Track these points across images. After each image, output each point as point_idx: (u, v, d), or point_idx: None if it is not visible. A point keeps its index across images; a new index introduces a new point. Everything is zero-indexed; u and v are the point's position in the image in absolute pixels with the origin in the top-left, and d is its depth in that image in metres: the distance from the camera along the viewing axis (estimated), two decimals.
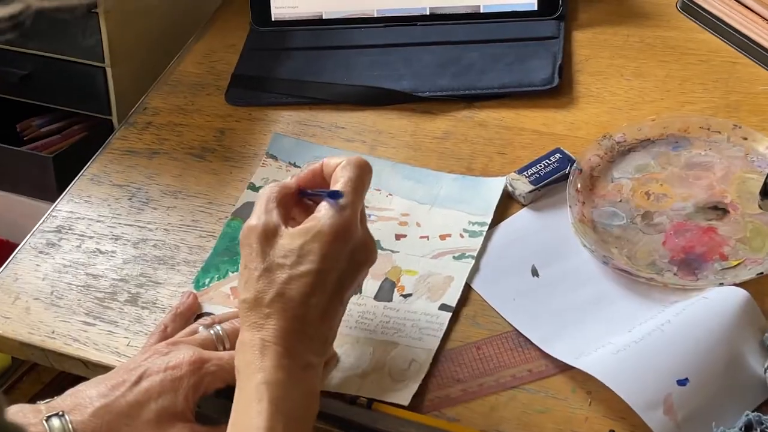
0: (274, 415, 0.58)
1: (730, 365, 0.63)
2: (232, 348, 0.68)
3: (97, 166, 0.87)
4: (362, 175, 0.65)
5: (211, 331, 0.69)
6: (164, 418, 0.63)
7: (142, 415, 0.63)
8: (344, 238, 0.62)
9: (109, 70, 0.95)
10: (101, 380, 0.65)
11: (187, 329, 0.70)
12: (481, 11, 0.94)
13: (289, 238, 0.62)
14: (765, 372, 0.63)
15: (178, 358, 0.65)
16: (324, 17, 0.96)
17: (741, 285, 0.68)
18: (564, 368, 0.67)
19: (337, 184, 0.64)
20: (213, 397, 0.67)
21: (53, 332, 0.75)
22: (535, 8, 0.94)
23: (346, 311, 0.73)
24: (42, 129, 1.05)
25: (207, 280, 0.77)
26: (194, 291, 0.76)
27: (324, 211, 0.63)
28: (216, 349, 0.68)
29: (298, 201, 0.67)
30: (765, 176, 0.73)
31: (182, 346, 0.67)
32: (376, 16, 0.96)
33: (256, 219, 0.64)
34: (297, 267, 0.61)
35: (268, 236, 0.63)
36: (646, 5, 0.95)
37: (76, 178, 0.86)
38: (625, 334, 0.66)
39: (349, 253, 0.63)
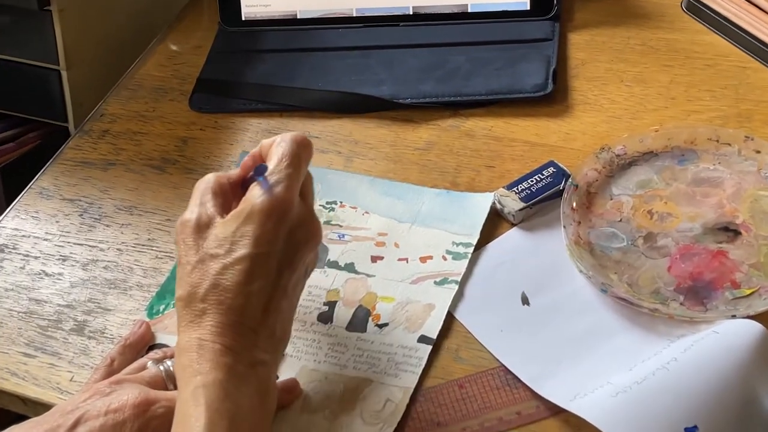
0: (212, 418, 0.52)
1: (745, 410, 0.56)
2: None
3: (47, 179, 0.80)
4: (297, 149, 0.59)
5: (161, 368, 0.61)
6: None
7: None
8: (279, 217, 0.57)
9: (64, 73, 0.87)
10: (34, 424, 0.58)
11: (135, 364, 0.63)
12: (469, 11, 0.87)
13: (222, 227, 0.58)
14: None
15: (121, 399, 0.58)
16: (299, 16, 0.89)
17: (755, 317, 0.61)
18: (557, 411, 0.60)
19: (270, 162, 0.59)
20: None
21: None
22: (528, 8, 0.86)
23: (315, 342, 0.67)
24: None
25: (161, 307, 0.69)
26: (147, 319, 0.68)
27: (254, 191, 0.58)
28: (166, 388, 0.60)
29: (240, 193, 0.61)
30: None
31: (127, 385, 0.59)
32: (355, 15, 0.88)
33: (189, 213, 0.59)
34: (230, 254, 0.56)
35: (201, 228, 0.58)
36: (648, 5, 0.88)
37: (23, 191, 0.79)
38: (625, 373, 0.59)
39: (286, 234, 0.57)
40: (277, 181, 0.58)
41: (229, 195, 0.61)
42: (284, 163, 0.59)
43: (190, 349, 0.55)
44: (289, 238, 0.57)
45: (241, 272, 0.56)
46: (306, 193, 0.61)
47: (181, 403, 0.54)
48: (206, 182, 0.61)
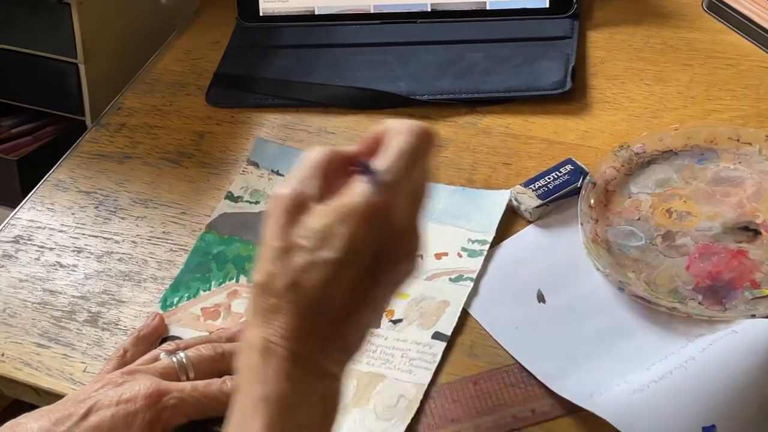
0: None
1: (764, 410, 0.55)
2: (197, 378, 0.60)
3: (64, 171, 0.80)
4: (418, 147, 0.52)
5: (174, 359, 0.61)
6: None
7: None
8: (378, 225, 0.50)
9: (81, 67, 0.87)
10: (45, 412, 0.58)
11: (148, 356, 0.62)
12: (488, 8, 0.87)
13: (317, 217, 0.51)
14: None
15: (133, 390, 0.57)
16: (316, 12, 0.89)
17: None
18: (572, 409, 0.59)
19: (385, 156, 0.51)
20: None
21: (3, 355, 0.67)
22: (547, 5, 0.86)
23: None
24: (12, 130, 0.97)
25: (175, 300, 0.69)
26: (160, 311, 0.68)
27: (358, 189, 0.51)
28: (178, 380, 0.60)
29: (350, 172, 0.53)
30: None
31: (139, 375, 0.59)
32: (372, 12, 0.88)
33: (287, 186, 0.52)
34: (317, 252, 0.50)
35: (296, 209, 0.51)
36: (668, 4, 0.87)
37: (39, 183, 0.79)
38: (642, 372, 0.58)
39: (381, 244, 0.51)
40: (385, 182, 0.51)
41: (339, 172, 0.53)
42: (400, 162, 0.51)
43: (255, 349, 0.50)
44: (383, 249, 0.51)
45: (325, 275, 0.50)
46: (417, 199, 0.53)
47: (239, 406, 0.50)
48: (314, 156, 0.53)
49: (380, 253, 0.51)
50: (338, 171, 0.53)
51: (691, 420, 0.54)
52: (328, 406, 0.51)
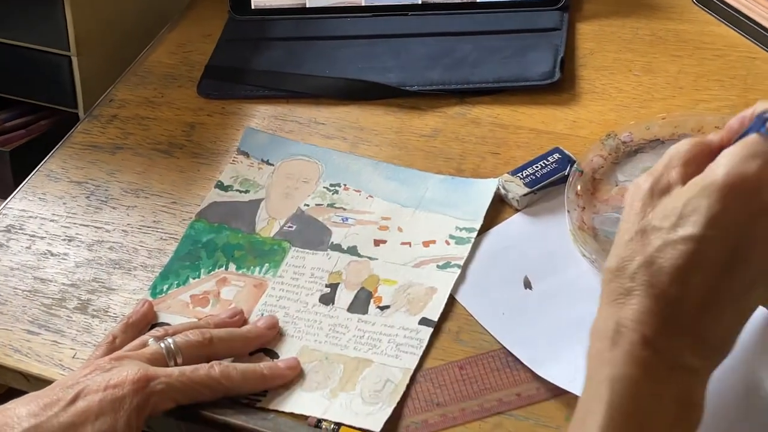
0: (614, 418, 0.45)
1: (747, 394, 0.55)
2: (185, 363, 0.61)
3: (56, 162, 0.80)
4: None
5: (162, 345, 0.61)
6: None
7: None
8: (746, 198, 0.46)
9: (74, 60, 0.88)
10: (33, 397, 0.58)
11: (136, 341, 0.63)
12: (478, 1, 0.87)
13: (675, 196, 0.49)
14: None
15: (121, 375, 0.58)
16: (308, 5, 0.89)
17: None
18: (557, 393, 0.59)
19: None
20: (165, 419, 0.61)
21: None
22: None
23: (316, 323, 0.67)
24: (7, 123, 0.98)
25: (165, 287, 0.70)
26: (150, 299, 0.68)
27: (725, 158, 0.48)
28: (166, 365, 0.61)
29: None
30: None
31: (127, 361, 0.60)
32: (364, 5, 0.89)
33: (647, 176, 0.51)
34: (675, 230, 0.47)
35: (655, 194, 0.50)
36: None
37: (32, 173, 0.79)
38: None
39: (751, 221, 0.47)
40: (760, 149, 0.47)
41: (704, 162, 0.50)
42: None
43: (606, 332, 0.48)
44: (752, 228, 0.47)
45: (683, 254, 0.47)
46: None
47: (587, 392, 0.48)
48: (679, 147, 0.52)
49: (750, 232, 0.47)
50: (704, 161, 0.51)
51: None
52: (683, 407, 0.47)
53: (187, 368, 0.60)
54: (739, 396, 0.56)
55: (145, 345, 0.62)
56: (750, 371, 0.56)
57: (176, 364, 0.61)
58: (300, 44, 0.87)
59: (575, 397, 0.58)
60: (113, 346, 0.64)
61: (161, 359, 0.61)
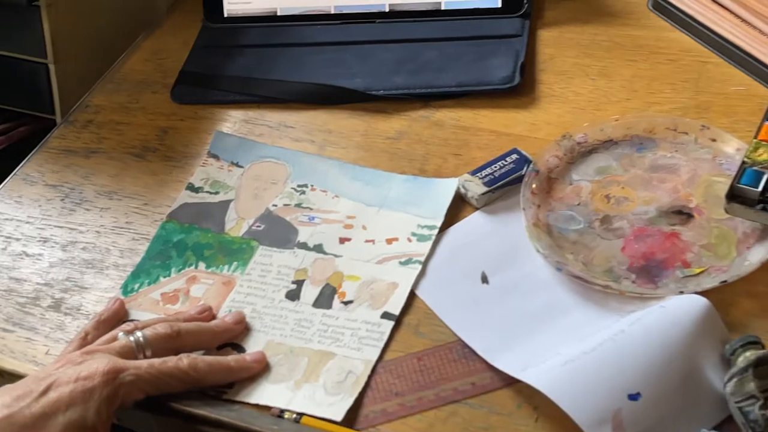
0: None
1: (687, 379, 0.58)
2: (154, 356, 0.63)
3: (32, 166, 0.82)
4: None
5: (131, 338, 0.64)
6: None
7: (47, 428, 0.57)
8: None
9: (51, 67, 0.90)
10: (6, 390, 0.60)
11: (107, 336, 0.65)
12: (443, 8, 0.90)
13: None
14: (725, 387, 0.58)
15: (92, 367, 0.60)
16: (279, 13, 0.92)
17: (703, 294, 0.63)
18: (510, 382, 0.62)
19: None
20: (135, 411, 0.63)
21: None
22: (499, 5, 0.89)
23: (282, 318, 0.69)
24: None
25: (136, 286, 0.72)
26: (122, 297, 0.71)
27: None
28: (136, 358, 0.63)
29: None
30: (732, 179, 0.69)
31: (98, 354, 0.62)
32: (333, 12, 0.91)
33: None
34: None
35: None
36: (616, 4, 0.90)
37: (8, 178, 0.82)
38: (575, 345, 0.61)
39: None
40: None
41: None
42: None
43: None
44: None
45: None
46: None
47: None
48: None
49: None
50: None
51: (617, 388, 0.57)
52: None
53: (156, 360, 0.62)
54: (679, 382, 0.58)
55: (115, 339, 0.65)
56: (689, 358, 0.59)
57: (145, 357, 0.63)
58: (271, 51, 0.90)
59: (527, 386, 0.61)
60: (85, 341, 0.66)
61: (131, 352, 0.63)
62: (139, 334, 0.64)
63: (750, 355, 0.58)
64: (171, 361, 0.62)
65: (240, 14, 0.93)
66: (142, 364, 0.62)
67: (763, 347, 0.59)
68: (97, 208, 0.78)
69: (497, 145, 0.78)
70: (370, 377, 0.64)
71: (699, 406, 0.58)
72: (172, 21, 0.96)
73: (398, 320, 0.67)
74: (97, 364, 0.61)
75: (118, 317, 0.69)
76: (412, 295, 0.69)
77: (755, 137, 0.71)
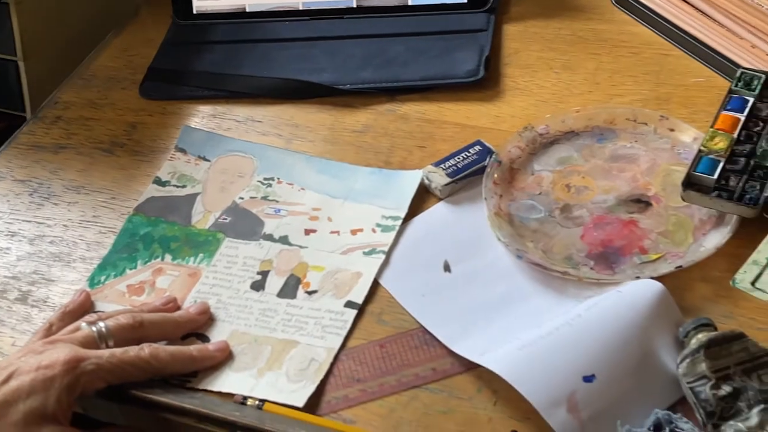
0: None
1: (641, 361, 0.59)
2: (116, 346, 0.64)
3: (0, 162, 0.83)
4: None
5: (94, 328, 0.64)
6: (32, 420, 0.58)
7: (8, 416, 0.58)
8: None
9: (21, 64, 0.90)
10: None
11: (70, 327, 0.66)
12: (410, 4, 0.91)
13: None
14: (677, 369, 0.59)
15: (52, 356, 0.61)
16: (248, 10, 0.93)
17: (660, 279, 0.64)
18: (470, 367, 0.63)
19: None
20: (98, 400, 0.63)
21: None
22: (465, 1, 0.90)
23: (247, 308, 0.70)
24: None
25: (103, 278, 0.72)
26: (88, 289, 0.71)
27: None
28: (98, 347, 0.63)
29: None
30: (689, 167, 0.70)
31: (60, 344, 0.62)
32: (301, 8, 0.92)
33: None
34: None
35: None
36: None
37: None
38: (533, 330, 0.62)
39: None
40: None
41: None
42: None
43: None
44: None
45: None
46: None
47: None
48: None
49: None
50: None
51: (572, 371, 0.58)
52: None
53: (118, 350, 0.63)
54: (633, 364, 0.59)
55: (78, 330, 0.65)
56: (643, 341, 0.60)
57: (107, 347, 0.64)
58: (239, 47, 0.90)
59: (487, 371, 0.62)
60: (50, 332, 0.66)
61: (93, 342, 0.64)
62: (101, 324, 0.64)
63: (702, 336, 0.59)
64: (132, 351, 0.63)
65: (209, 11, 0.93)
66: (104, 353, 0.62)
67: (715, 329, 0.60)
68: (65, 202, 0.79)
69: (462, 138, 0.79)
70: (332, 364, 0.65)
71: (653, 388, 0.59)
72: (141, 18, 0.97)
73: (362, 309, 0.68)
74: (58, 353, 0.61)
75: (83, 309, 0.69)
76: (375, 285, 0.69)
77: (712, 126, 0.72)
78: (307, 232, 0.74)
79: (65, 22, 0.95)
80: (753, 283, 0.63)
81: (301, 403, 0.62)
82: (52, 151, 0.83)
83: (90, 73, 0.91)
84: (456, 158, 0.76)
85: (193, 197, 0.77)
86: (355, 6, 0.92)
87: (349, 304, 0.69)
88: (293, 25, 0.92)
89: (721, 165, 0.70)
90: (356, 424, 0.61)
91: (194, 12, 0.93)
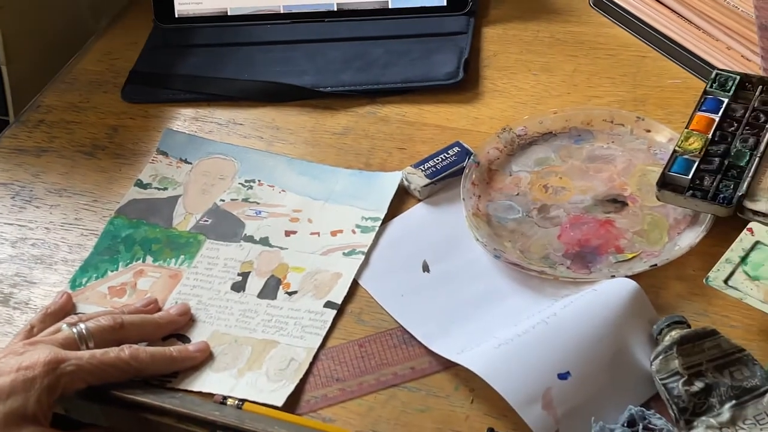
0: None
1: (615, 358, 0.60)
2: (97, 347, 0.64)
3: None
4: None
5: (74, 330, 0.65)
6: (12, 421, 0.58)
7: None
8: None
9: (4, 68, 0.91)
10: None
11: (51, 328, 0.66)
12: (390, 7, 0.92)
13: None
14: (651, 365, 0.60)
15: (33, 358, 0.61)
16: (229, 13, 0.93)
17: (635, 277, 0.65)
18: (448, 365, 0.64)
19: None
20: (80, 401, 0.64)
21: None
22: (445, 4, 0.91)
23: (227, 309, 0.70)
24: None
25: (84, 280, 0.73)
26: (69, 291, 0.72)
27: None
28: (78, 349, 0.64)
29: None
30: (664, 167, 0.71)
31: (40, 345, 0.63)
32: (282, 12, 0.93)
33: None
34: None
35: None
36: (558, 1, 0.92)
37: None
38: (510, 328, 0.63)
39: None
40: None
41: None
42: None
43: None
44: None
45: None
46: None
47: None
48: None
49: None
50: None
51: (548, 368, 0.59)
52: None
53: (98, 351, 0.63)
54: (607, 361, 0.60)
55: (59, 331, 0.66)
56: (618, 338, 0.61)
57: (88, 348, 0.64)
58: (221, 50, 0.91)
59: (464, 369, 0.62)
60: (31, 334, 0.67)
61: (73, 343, 0.64)
62: (82, 325, 0.65)
63: (675, 334, 0.60)
64: (113, 352, 0.63)
65: (191, 14, 0.94)
66: (84, 354, 0.63)
67: (688, 327, 0.61)
68: (47, 205, 0.79)
69: (441, 139, 0.80)
70: (312, 364, 0.65)
71: (627, 384, 0.60)
72: (123, 22, 0.97)
73: (341, 309, 0.69)
74: (39, 354, 0.61)
75: (64, 310, 0.70)
76: (355, 285, 0.70)
77: (687, 127, 0.73)
78: (288, 233, 0.74)
79: (47, 27, 0.96)
80: (726, 281, 0.64)
81: (280, 403, 0.63)
82: (34, 154, 0.84)
83: (72, 76, 0.91)
84: (435, 160, 0.76)
85: (174, 199, 0.78)
86: (335, 9, 0.93)
87: (329, 305, 0.69)
88: (274, 28, 0.93)
89: (695, 165, 0.71)
90: (335, 422, 0.62)
91: (176, 16, 0.94)
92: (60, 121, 0.87)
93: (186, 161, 0.81)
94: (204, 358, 0.65)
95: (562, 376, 0.58)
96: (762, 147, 0.71)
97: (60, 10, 0.96)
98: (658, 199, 0.70)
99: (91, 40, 0.95)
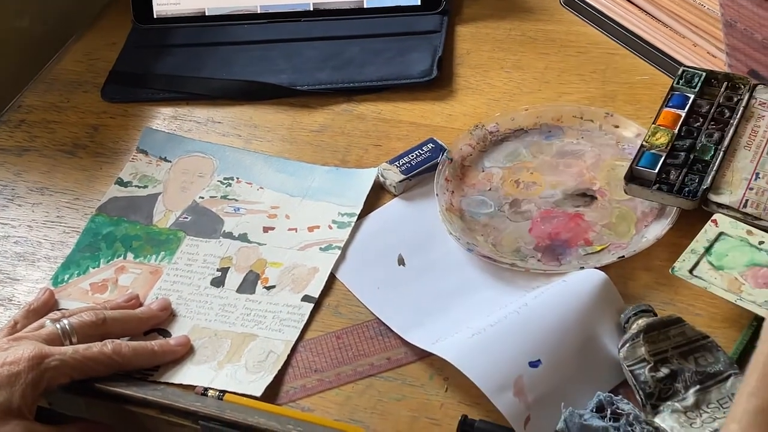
0: None
1: (584, 347, 0.62)
2: (80, 342, 0.66)
3: None
4: None
5: (58, 326, 0.66)
6: None
7: None
8: None
9: None
10: None
11: (34, 324, 0.67)
12: (365, 6, 0.94)
13: None
14: (619, 353, 0.62)
15: (17, 353, 0.62)
16: (207, 14, 0.95)
17: (603, 269, 0.67)
18: (423, 355, 0.65)
19: None
20: (65, 395, 0.65)
21: None
22: (419, 3, 0.93)
23: (207, 304, 0.72)
24: None
25: (66, 276, 0.74)
26: (52, 287, 0.73)
27: None
28: (62, 344, 0.65)
29: None
30: (631, 162, 0.73)
31: (24, 341, 0.64)
32: (259, 12, 0.94)
33: None
34: None
35: None
36: (530, 0, 0.95)
37: None
38: (483, 319, 0.65)
39: None
40: None
41: None
42: None
43: None
44: None
45: None
46: None
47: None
48: None
49: None
50: None
51: (519, 356, 0.61)
52: None
53: (81, 346, 0.65)
54: (577, 349, 0.62)
55: (42, 327, 0.67)
56: (587, 327, 0.63)
57: (71, 343, 0.65)
58: (199, 50, 0.92)
59: (439, 359, 0.64)
60: (14, 329, 0.68)
61: (57, 339, 0.65)
62: (65, 321, 0.66)
63: (641, 322, 0.62)
64: (96, 347, 0.65)
65: (169, 15, 0.95)
66: (67, 350, 0.64)
67: (654, 315, 0.64)
68: (29, 203, 0.80)
69: (416, 136, 0.82)
70: (290, 356, 0.67)
71: (596, 371, 0.62)
72: (102, 22, 0.98)
73: (319, 302, 0.70)
74: (23, 350, 0.63)
75: (47, 306, 0.71)
76: (332, 279, 0.72)
77: (654, 123, 0.76)
78: (266, 229, 0.76)
79: (27, 27, 0.97)
80: (691, 271, 0.66)
81: (258, 393, 0.64)
82: (15, 153, 0.85)
83: (52, 77, 0.92)
84: (410, 156, 0.78)
85: (154, 197, 0.79)
86: (312, 9, 0.94)
87: (306, 298, 0.71)
88: (252, 28, 0.94)
89: (662, 159, 0.73)
90: (314, 412, 0.63)
91: (155, 16, 0.95)
92: (41, 120, 0.88)
93: (165, 159, 0.82)
94: (185, 352, 0.67)
95: (533, 364, 0.60)
96: (726, 142, 0.73)
97: (39, 11, 0.97)
98: (626, 193, 0.72)
99: (71, 40, 0.96)
